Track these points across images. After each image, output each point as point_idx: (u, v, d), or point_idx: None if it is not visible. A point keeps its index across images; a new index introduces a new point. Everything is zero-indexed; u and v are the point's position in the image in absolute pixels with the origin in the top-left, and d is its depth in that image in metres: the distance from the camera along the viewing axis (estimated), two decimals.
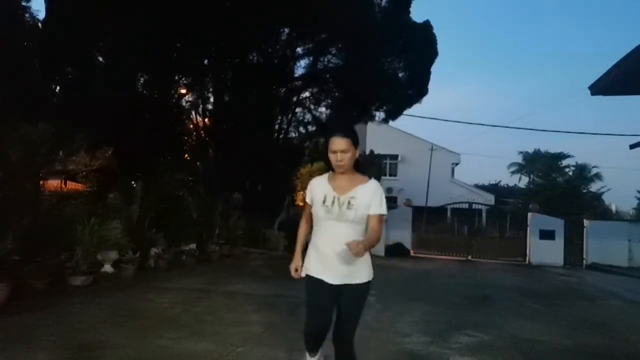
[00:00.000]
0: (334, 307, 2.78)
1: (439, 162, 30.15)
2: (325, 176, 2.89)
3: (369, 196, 2.72)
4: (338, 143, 2.70)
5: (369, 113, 15.96)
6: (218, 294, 6.53)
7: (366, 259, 2.77)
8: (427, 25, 14.83)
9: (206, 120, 14.68)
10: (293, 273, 2.90)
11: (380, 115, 16.23)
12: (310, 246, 2.88)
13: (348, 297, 2.75)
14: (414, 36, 14.44)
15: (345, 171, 2.76)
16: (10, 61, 8.03)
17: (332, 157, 2.74)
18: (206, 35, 11.60)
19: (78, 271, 6.53)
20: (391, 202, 28.60)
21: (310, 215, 2.88)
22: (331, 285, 2.72)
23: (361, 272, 2.75)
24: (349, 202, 2.69)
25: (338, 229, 2.70)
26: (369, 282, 2.78)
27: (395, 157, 31.23)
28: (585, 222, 15.65)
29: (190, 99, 14.25)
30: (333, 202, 2.71)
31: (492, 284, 9.53)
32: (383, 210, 2.74)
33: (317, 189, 2.83)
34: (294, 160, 15.47)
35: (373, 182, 2.81)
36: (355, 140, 2.75)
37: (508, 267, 13.84)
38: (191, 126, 14.46)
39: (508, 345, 4.69)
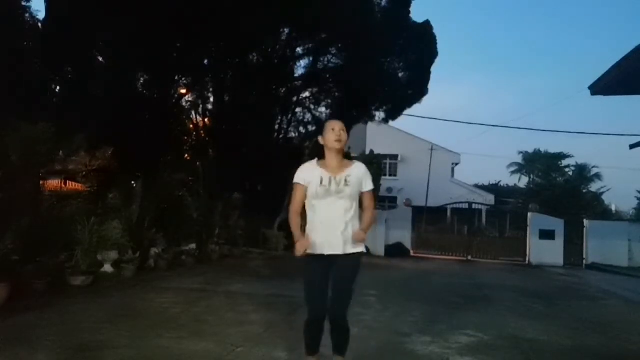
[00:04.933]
0: (329, 284, 2.98)
1: (439, 162, 30.15)
2: (313, 162, 3.10)
3: (361, 174, 3.07)
4: (336, 122, 3.07)
5: (369, 113, 15.96)
6: (218, 294, 6.52)
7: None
8: (427, 25, 14.84)
9: (206, 120, 14.69)
10: (302, 252, 2.84)
11: (380, 115, 16.25)
12: (308, 228, 3.00)
13: (343, 265, 2.96)
14: (414, 36, 14.45)
15: (339, 151, 3.02)
16: (10, 61, 8.03)
17: (331, 135, 3.00)
18: (206, 35, 11.60)
19: (78, 271, 6.53)
20: (391, 202, 28.69)
21: (301, 201, 3.02)
22: (328, 256, 2.93)
23: (356, 243, 3.00)
24: (345, 180, 2.98)
25: (335, 204, 2.96)
26: (361, 252, 3.04)
27: (395, 157, 31.20)
28: (585, 222, 15.63)
29: (190, 99, 14.28)
30: (330, 182, 2.97)
31: (492, 284, 9.52)
32: (372, 186, 3.12)
33: (310, 173, 3.03)
34: (294, 160, 15.44)
35: (361, 164, 3.16)
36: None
37: (508, 267, 13.82)
38: (191, 126, 14.47)
39: (508, 345, 4.68)
